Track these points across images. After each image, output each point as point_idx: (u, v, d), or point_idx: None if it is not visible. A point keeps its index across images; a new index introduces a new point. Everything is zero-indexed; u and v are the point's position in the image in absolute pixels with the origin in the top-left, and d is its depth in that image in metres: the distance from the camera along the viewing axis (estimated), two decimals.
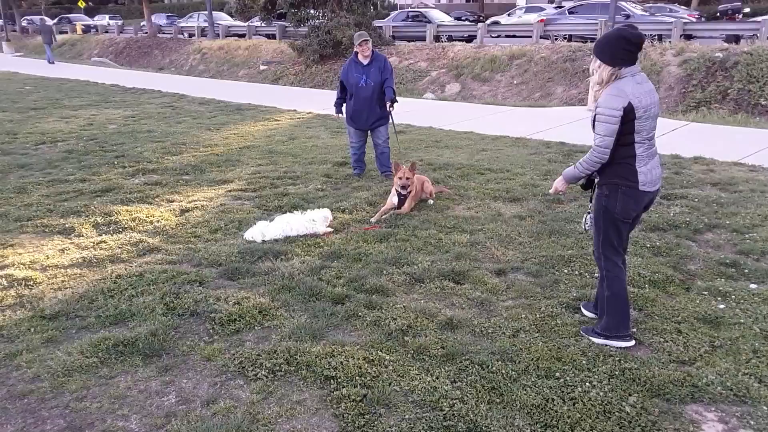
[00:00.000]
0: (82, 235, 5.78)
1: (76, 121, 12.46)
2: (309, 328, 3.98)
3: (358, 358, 3.61)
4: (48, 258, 5.20)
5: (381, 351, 3.71)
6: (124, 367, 3.61)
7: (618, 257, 3.88)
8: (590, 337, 3.91)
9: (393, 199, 6.33)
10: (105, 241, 5.60)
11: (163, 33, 34.43)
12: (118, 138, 10.62)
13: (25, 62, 29.61)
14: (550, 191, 4.13)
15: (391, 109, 7.31)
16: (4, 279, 4.74)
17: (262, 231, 5.64)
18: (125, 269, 4.92)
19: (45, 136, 10.80)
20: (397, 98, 7.44)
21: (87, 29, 40.28)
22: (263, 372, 3.51)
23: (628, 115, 3.52)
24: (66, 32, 40.38)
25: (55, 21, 44.36)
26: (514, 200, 6.80)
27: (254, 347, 3.79)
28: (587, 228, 4.14)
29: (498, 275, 4.86)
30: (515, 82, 17.59)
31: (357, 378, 3.43)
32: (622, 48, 3.55)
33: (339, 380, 3.42)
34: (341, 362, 3.57)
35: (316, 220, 5.77)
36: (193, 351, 3.77)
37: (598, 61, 3.64)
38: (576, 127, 11.57)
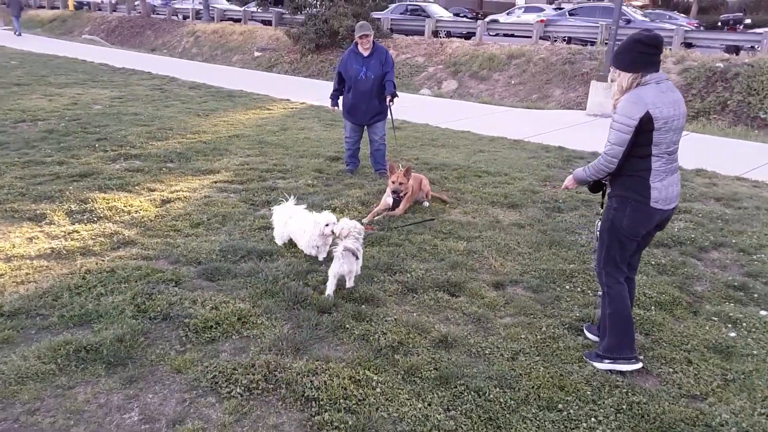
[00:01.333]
0: (54, 223, 5.41)
1: (59, 100, 11.98)
2: (291, 340, 3.66)
3: (344, 377, 3.30)
4: (14, 247, 4.83)
5: (369, 370, 3.40)
6: (84, 376, 3.27)
7: (620, 274, 3.61)
8: (594, 363, 3.62)
9: (387, 199, 6.01)
10: (77, 231, 5.23)
11: (157, 13, 33.73)
12: (102, 119, 10.19)
13: (13, 36, 28.82)
14: (562, 187, 3.89)
15: (390, 103, 6.97)
16: None
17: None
18: (96, 264, 4.57)
19: (26, 113, 10.33)
20: (398, 93, 7.10)
21: (79, 6, 39.39)
22: (238, 389, 3.19)
23: (646, 125, 3.24)
24: (58, 8, 39.49)
25: None
26: (513, 206, 6.50)
27: (230, 360, 3.46)
28: (599, 235, 3.86)
29: (496, 288, 4.56)
30: (513, 82, 17.31)
31: (341, 401, 3.12)
32: (638, 52, 3.30)
33: (321, 403, 3.11)
34: (325, 381, 3.25)
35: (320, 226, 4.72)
36: (163, 361, 3.44)
37: (618, 71, 3.38)
38: (575, 131, 11.32)
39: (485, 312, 4.16)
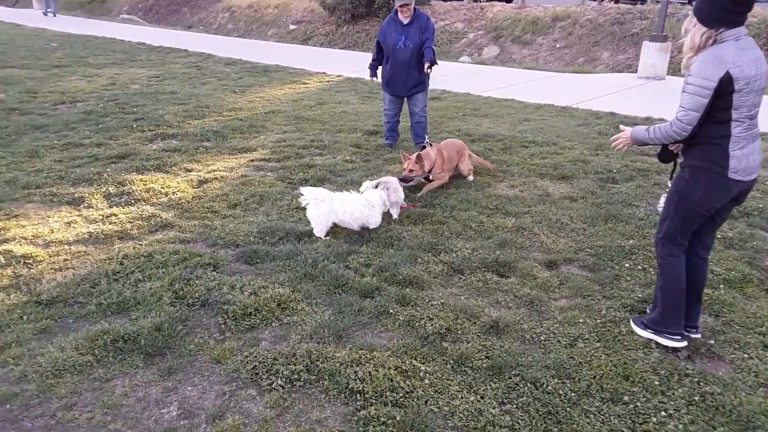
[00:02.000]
0: (92, 207, 5.34)
1: (98, 81, 12.02)
2: (333, 326, 3.48)
3: (389, 368, 3.10)
4: (52, 232, 4.78)
5: (416, 360, 3.20)
6: (122, 367, 3.16)
7: (678, 248, 3.29)
8: (636, 328, 3.45)
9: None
10: (115, 214, 5.15)
11: None
12: (139, 99, 10.16)
13: (53, 18, 29.25)
14: (611, 140, 3.46)
15: (429, 71, 6.63)
16: (2, 256, 4.33)
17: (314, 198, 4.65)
18: (134, 248, 4.47)
19: (65, 95, 10.38)
20: (437, 60, 6.73)
21: None
22: (279, 381, 3.03)
23: (726, 87, 2.87)
24: None
25: None
26: (563, 178, 6.15)
27: (270, 349, 3.30)
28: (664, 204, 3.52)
29: (549, 268, 4.28)
30: (558, 45, 16.58)
31: (388, 393, 2.93)
32: (719, 5, 2.87)
33: (366, 395, 2.92)
34: (369, 372, 3.06)
35: (374, 205, 4.76)
36: (202, 351, 3.30)
37: (694, 19, 2.98)
38: (626, 95, 10.73)
39: (538, 294, 3.88)
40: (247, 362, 3.18)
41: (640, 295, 3.86)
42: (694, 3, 3.03)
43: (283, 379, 3.05)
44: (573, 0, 19.21)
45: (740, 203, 3.28)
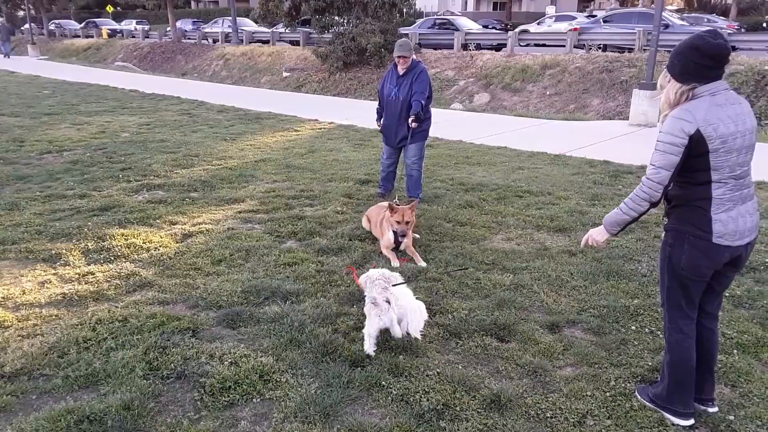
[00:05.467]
0: (69, 264, 5.07)
1: (88, 129, 11.88)
2: (320, 402, 3.19)
3: None
4: (24, 293, 4.50)
5: None
6: None
7: (684, 320, 3.04)
8: (643, 400, 3.22)
9: (390, 235, 5.29)
10: (92, 273, 4.88)
11: (188, 38, 34.12)
12: (128, 148, 9.99)
13: (48, 66, 29.46)
14: (581, 245, 3.26)
15: (412, 124, 6.38)
16: None
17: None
18: (108, 312, 4.18)
19: (52, 144, 10.20)
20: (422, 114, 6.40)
21: (112, 34, 40.19)
22: None
23: (698, 146, 2.70)
24: (92, 36, 40.35)
25: (82, 25, 44.39)
26: (560, 230, 5.94)
27: (250, 430, 3.00)
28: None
29: (551, 331, 4.02)
30: (548, 92, 16.69)
31: None
32: (693, 61, 2.72)
33: None
34: None
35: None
36: None
37: (668, 76, 2.83)
38: (619, 143, 10.68)
39: (541, 361, 3.62)
40: None
41: (650, 363, 3.60)
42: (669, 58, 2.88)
43: None
44: (561, 49, 19.47)
45: (739, 269, 3.05)
